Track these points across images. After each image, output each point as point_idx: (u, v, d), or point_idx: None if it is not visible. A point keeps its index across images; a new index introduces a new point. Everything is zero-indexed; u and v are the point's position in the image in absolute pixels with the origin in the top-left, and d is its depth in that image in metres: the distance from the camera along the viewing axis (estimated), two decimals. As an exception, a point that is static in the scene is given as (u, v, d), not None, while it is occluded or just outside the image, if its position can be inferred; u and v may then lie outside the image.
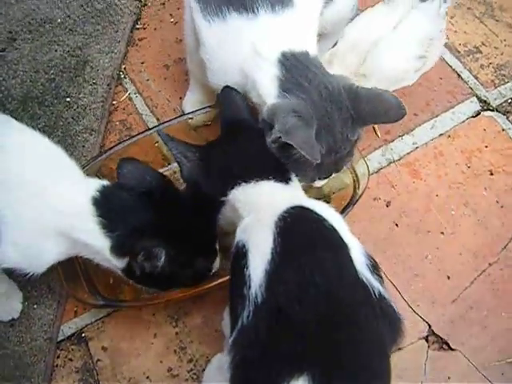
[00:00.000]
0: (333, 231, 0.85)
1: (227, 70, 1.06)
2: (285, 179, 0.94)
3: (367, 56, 1.15)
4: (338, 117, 0.97)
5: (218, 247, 1.00)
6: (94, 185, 0.93)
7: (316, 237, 0.85)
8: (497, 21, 1.34)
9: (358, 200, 1.12)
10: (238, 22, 1.01)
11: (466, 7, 1.52)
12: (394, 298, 1.13)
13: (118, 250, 0.91)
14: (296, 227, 0.85)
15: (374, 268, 0.85)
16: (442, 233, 1.22)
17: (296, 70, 0.98)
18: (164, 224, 0.92)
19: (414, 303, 1.15)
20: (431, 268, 1.19)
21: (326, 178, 1.06)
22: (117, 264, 0.93)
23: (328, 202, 1.17)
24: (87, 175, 0.99)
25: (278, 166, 0.95)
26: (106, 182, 0.95)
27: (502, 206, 1.26)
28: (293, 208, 0.87)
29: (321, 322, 0.76)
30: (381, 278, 0.85)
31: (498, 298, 1.16)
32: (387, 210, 1.25)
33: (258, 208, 0.90)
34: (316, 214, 0.87)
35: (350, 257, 0.83)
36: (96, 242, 0.91)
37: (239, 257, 0.85)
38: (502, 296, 1.17)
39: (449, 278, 1.18)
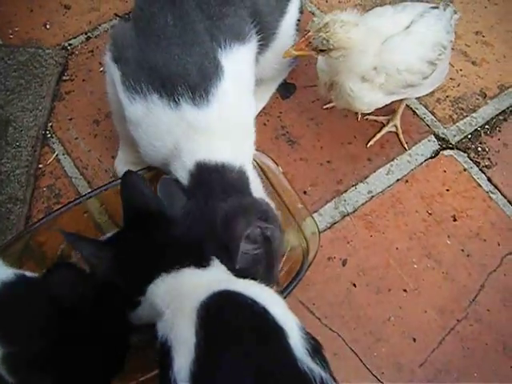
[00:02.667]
0: (265, 316, 0.74)
1: (155, 156, 0.96)
2: (205, 263, 0.84)
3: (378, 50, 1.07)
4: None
5: None
6: None
7: (244, 327, 0.73)
8: (451, 49, 1.25)
9: (309, 266, 1.01)
10: (160, 109, 0.91)
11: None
12: (356, 367, 1.07)
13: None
14: (220, 316, 0.74)
15: (315, 351, 0.73)
16: (405, 290, 1.13)
17: (201, 188, 0.90)
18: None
19: (379, 371, 1.05)
20: (395, 330, 1.09)
21: None
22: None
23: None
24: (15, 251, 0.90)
25: (196, 250, 0.85)
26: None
27: (468, 255, 1.17)
28: (217, 293, 0.75)
29: None
30: (323, 360, 0.74)
31: (468, 358, 1.07)
32: (343, 269, 1.14)
33: (179, 297, 0.79)
34: (245, 297, 0.75)
35: (288, 344, 0.71)
36: None
37: (164, 355, 0.73)
38: (473, 355, 1.07)
39: (414, 340, 1.08)
